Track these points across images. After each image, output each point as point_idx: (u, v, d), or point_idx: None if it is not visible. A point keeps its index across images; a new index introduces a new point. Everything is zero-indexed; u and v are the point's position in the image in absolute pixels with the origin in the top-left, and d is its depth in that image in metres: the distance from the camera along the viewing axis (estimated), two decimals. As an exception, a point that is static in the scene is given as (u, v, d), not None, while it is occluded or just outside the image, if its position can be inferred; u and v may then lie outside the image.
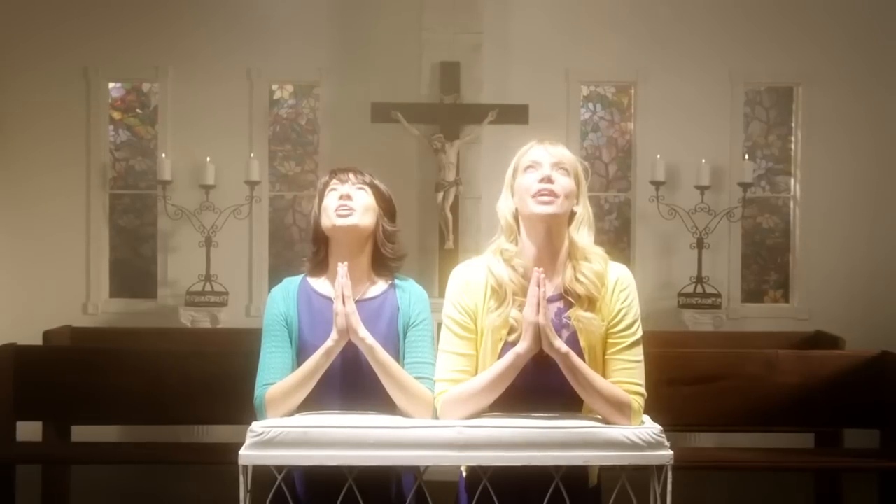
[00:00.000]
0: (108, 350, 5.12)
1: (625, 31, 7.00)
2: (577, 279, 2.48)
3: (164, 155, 6.90)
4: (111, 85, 7.21)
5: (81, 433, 5.25)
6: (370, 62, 6.90)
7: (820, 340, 5.80)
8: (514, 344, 2.42)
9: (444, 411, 2.47)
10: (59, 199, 6.99)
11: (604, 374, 2.45)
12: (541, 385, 2.46)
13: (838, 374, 4.76)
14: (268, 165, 7.11)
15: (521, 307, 2.44)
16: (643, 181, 6.96)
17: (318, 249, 2.71)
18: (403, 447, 2.33)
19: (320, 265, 2.72)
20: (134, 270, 7.24)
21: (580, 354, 2.43)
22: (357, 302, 2.58)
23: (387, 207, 2.73)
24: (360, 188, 2.67)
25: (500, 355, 2.44)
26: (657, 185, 6.78)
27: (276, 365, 2.61)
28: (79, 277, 7.01)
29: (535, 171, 2.50)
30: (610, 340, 2.49)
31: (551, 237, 2.50)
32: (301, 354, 2.62)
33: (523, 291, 2.46)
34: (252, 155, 6.87)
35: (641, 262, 7.03)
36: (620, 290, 2.53)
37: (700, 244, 6.81)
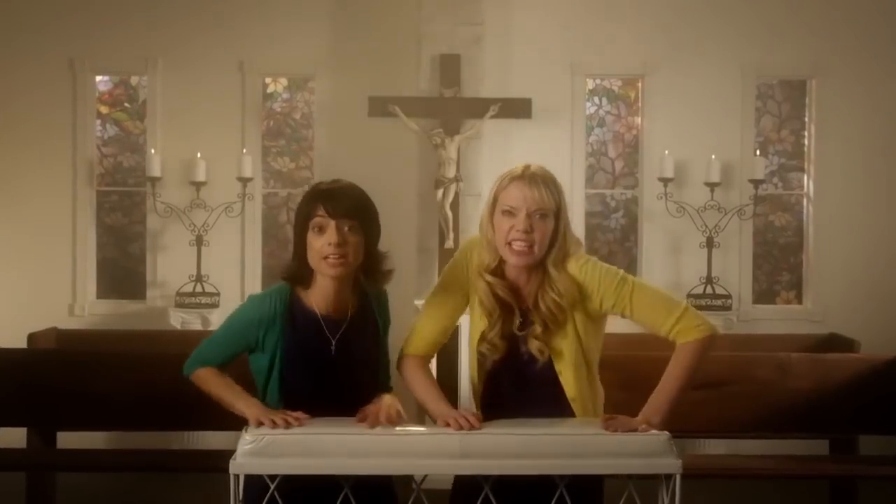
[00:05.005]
0: (95, 353, 5.13)
1: (632, 23, 7.00)
2: (539, 302, 2.68)
3: (153, 151, 6.90)
4: (98, 78, 7.20)
5: (67, 440, 5.25)
6: (367, 55, 6.89)
7: (834, 343, 5.80)
8: (488, 358, 2.70)
9: (399, 366, 2.82)
10: (43, 196, 6.98)
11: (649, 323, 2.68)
12: (520, 381, 2.70)
13: (853, 378, 4.77)
14: (261, 161, 7.11)
15: (501, 328, 2.70)
16: (651, 178, 6.95)
17: (302, 266, 2.73)
18: (400, 455, 2.33)
19: (305, 279, 2.74)
20: (122, 271, 7.23)
21: (555, 376, 2.68)
22: (348, 322, 2.72)
23: (375, 231, 2.75)
24: (351, 226, 2.66)
25: (478, 362, 2.73)
26: (665, 181, 6.78)
27: (217, 352, 2.77)
28: (65, 278, 7.00)
29: (513, 217, 2.64)
30: (623, 314, 2.69)
31: (528, 268, 2.70)
32: (286, 364, 2.68)
33: (508, 309, 2.70)
34: (244, 151, 6.86)
35: (649, 261, 7.03)
36: (590, 283, 2.69)
37: (710, 243, 6.80)
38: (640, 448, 2.33)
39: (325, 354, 2.70)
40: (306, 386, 2.68)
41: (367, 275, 2.76)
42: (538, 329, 2.66)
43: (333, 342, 2.70)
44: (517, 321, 2.70)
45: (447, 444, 2.33)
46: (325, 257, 2.63)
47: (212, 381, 2.76)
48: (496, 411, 2.65)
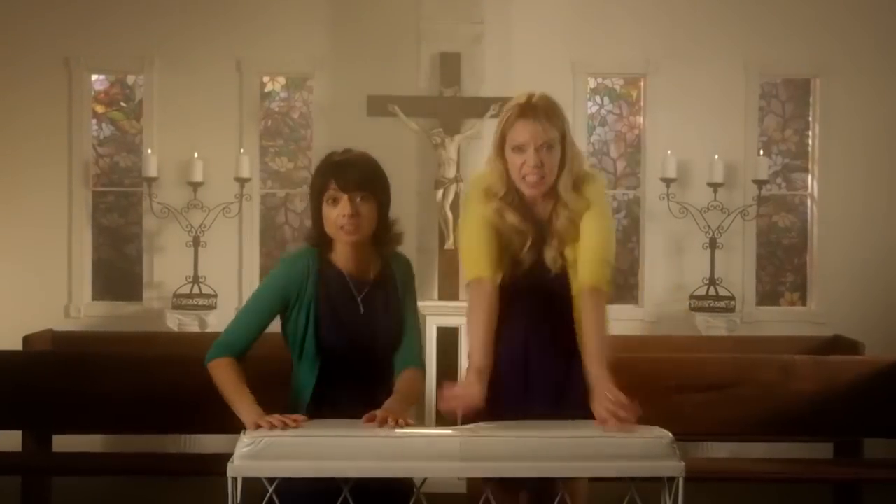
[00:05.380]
0: (91, 355, 5.12)
1: (634, 21, 7.00)
2: (554, 219, 2.95)
3: (149, 150, 6.90)
4: (94, 77, 7.20)
5: (63, 443, 5.24)
6: (366, 53, 6.89)
7: (838, 345, 5.80)
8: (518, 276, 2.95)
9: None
10: (39, 196, 6.98)
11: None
12: (537, 298, 2.94)
13: (858, 381, 4.77)
14: (258, 161, 7.11)
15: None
16: (653, 178, 6.96)
17: (321, 233, 2.90)
18: (400, 458, 2.33)
19: (325, 245, 2.91)
20: (118, 272, 7.23)
21: (567, 280, 2.93)
22: (371, 284, 2.91)
23: (386, 198, 2.93)
24: (363, 196, 2.84)
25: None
26: (668, 182, 6.79)
27: (241, 334, 2.86)
28: (60, 279, 7.00)
29: (523, 152, 2.90)
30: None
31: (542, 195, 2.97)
32: (320, 318, 2.83)
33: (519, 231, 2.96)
34: (242, 150, 6.87)
35: (651, 262, 7.03)
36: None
37: (713, 244, 6.81)
38: (643, 451, 2.33)
39: (354, 311, 2.88)
40: (340, 342, 2.83)
41: (378, 239, 2.93)
42: (553, 241, 2.94)
43: (360, 300, 2.89)
44: (529, 239, 2.96)
45: (447, 447, 2.33)
46: (341, 227, 2.82)
47: (223, 374, 2.81)
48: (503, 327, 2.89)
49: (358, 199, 2.82)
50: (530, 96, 2.95)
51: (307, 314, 2.84)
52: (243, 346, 2.87)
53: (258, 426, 2.52)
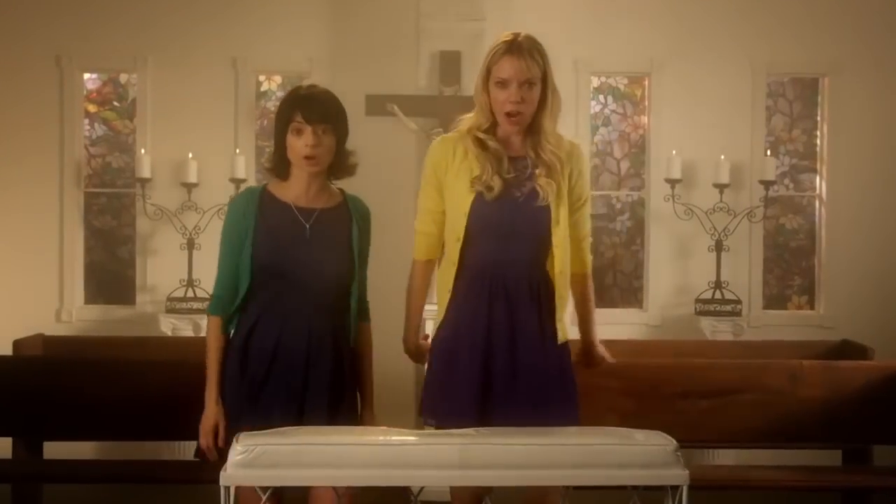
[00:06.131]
0: (83, 360, 5.13)
1: (638, 18, 7.00)
2: (540, 152, 3.21)
3: (142, 151, 6.90)
4: (86, 76, 7.20)
5: (54, 450, 5.23)
6: (364, 51, 6.89)
7: (847, 350, 5.79)
8: (480, 195, 3.18)
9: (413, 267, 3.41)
10: (29, 198, 6.98)
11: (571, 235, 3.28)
12: (508, 224, 3.17)
13: (867, 387, 4.77)
14: (254, 162, 7.10)
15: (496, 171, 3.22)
16: (658, 179, 6.95)
17: (282, 159, 3.24)
18: (398, 466, 2.33)
19: (284, 171, 3.25)
20: (110, 275, 7.23)
21: (544, 209, 3.19)
22: (320, 210, 3.23)
23: (345, 131, 3.27)
24: (325, 129, 3.17)
25: (471, 205, 3.18)
26: (673, 183, 6.78)
27: (224, 285, 3.22)
28: (51, 282, 7.00)
29: (505, 88, 3.17)
30: (570, 204, 3.26)
31: (522, 129, 3.26)
32: (255, 245, 3.15)
33: (498, 158, 3.23)
34: (237, 151, 6.87)
35: (655, 265, 7.03)
36: (575, 159, 3.32)
37: (719, 246, 6.80)
38: (646, 459, 2.32)
39: (299, 235, 3.19)
40: (279, 259, 3.15)
41: (333, 169, 3.27)
42: (543, 171, 3.19)
43: (308, 225, 3.21)
44: (509, 170, 3.21)
45: (446, 455, 2.32)
46: (305, 157, 3.16)
47: (210, 342, 3.23)
48: (476, 253, 3.20)
49: (320, 132, 3.15)
50: (517, 35, 3.20)
51: (247, 241, 3.17)
52: (231, 297, 3.22)
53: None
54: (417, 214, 3.41)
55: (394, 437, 2.43)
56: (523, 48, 3.16)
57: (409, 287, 3.41)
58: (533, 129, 3.24)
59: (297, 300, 3.16)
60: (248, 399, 3.16)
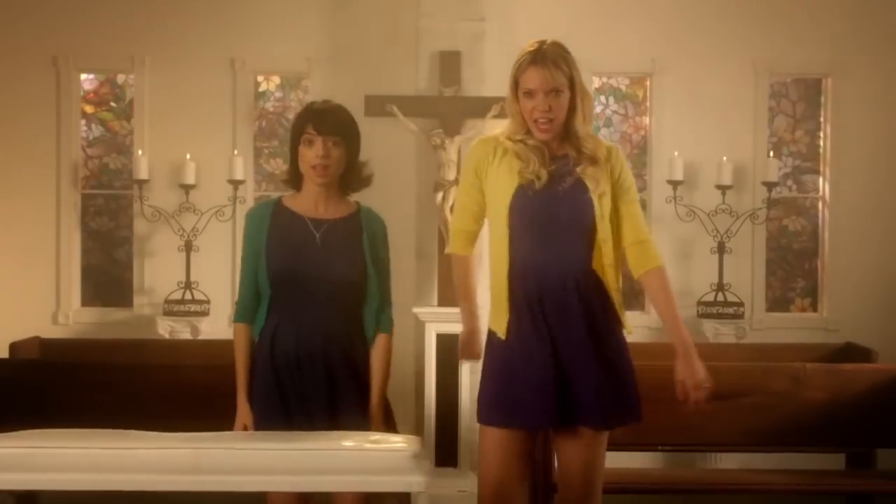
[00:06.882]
0: (79, 363, 5.14)
1: (640, 18, 7.01)
2: (581, 149, 3.25)
3: (140, 152, 6.91)
4: (83, 76, 7.20)
5: (51, 453, 5.24)
6: (364, 51, 6.90)
7: (851, 353, 5.81)
8: (525, 186, 3.21)
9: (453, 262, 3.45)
10: (26, 199, 6.98)
11: (620, 227, 3.31)
12: (551, 216, 3.21)
13: (871, 390, 4.78)
14: (253, 163, 7.11)
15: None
16: (659, 180, 6.96)
17: (296, 171, 3.39)
18: (129, 470, 2.25)
19: (297, 182, 3.41)
20: (107, 277, 7.23)
21: (588, 200, 3.22)
22: (332, 220, 3.36)
23: (356, 145, 3.39)
24: (335, 141, 3.30)
25: (514, 198, 3.21)
26: (675, 184, 6.79)
27: (246, 295, 3.43)
28: (48, 285, 7.00)
29: (533, 98, 3.19)
30: (613, 200, 3.28)
31: (555, 136, 3.26)
32: (268, 251, 3.32)
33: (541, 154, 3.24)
34: (236, 152, 6.87)
35: (658, 267, 7.02)
36: (615, 158, 3.32)
37: (721, 249, 6.81)
38: (383, 464, 2.23)
39: (309, 244, 3.32)
40: (291, 266, 3.30)
41: (347, 181, 3.39)
42: (586, 165, 3.22)
43: (318, 235, 3.34)
44: (551, 164, 3.23)
45: (180, 459, 2.24)
46: (313, 167, 3.30)
47: (235, 349, 3.40)
48: (524, 252, 3.21)
49: (330, 143, 3.28)
50: (541, 43, 3.21)
51: (262, 251, 3.34)
52: (252, 305, 3.41)
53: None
54: (455, 211, 3.49)
55: (127, 440, 2.33)
56: (547, 57, 3.19)
57: (455, 280, 3.47)
58: (568, 133, 3.27)
59: (311, 306, 3.29)
60: (271, 401, 3.26)
